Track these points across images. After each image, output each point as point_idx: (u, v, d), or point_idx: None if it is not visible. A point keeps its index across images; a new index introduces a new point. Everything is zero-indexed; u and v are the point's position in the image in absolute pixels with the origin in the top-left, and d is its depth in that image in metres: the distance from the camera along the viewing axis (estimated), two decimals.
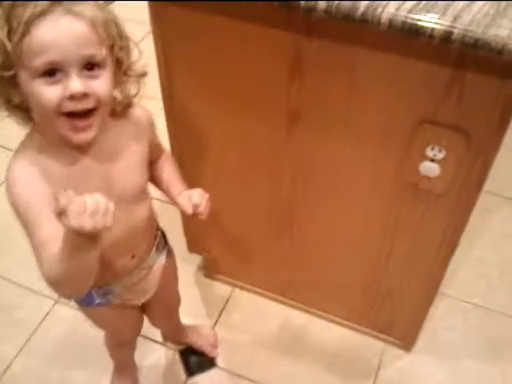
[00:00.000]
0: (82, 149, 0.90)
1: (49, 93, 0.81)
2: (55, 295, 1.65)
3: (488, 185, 1.09)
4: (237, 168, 1.31)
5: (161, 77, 1.19)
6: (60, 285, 0.85)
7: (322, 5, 0.87)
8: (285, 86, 1.07)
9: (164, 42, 1.13)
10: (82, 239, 0.75)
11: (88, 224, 0.72)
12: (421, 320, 1.48)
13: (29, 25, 0.77)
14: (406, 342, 1.56)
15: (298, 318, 1.64)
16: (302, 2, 0.87)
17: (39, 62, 0.79)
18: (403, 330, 1.53)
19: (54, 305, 1.65)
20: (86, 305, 1.10)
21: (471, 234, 1.72)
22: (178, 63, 1.15)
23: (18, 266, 1.72)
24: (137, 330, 1.31)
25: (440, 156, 1.03)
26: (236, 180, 1.34)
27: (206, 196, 1.08)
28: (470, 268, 1.74)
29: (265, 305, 1.66)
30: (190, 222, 1.57)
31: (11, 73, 0.81)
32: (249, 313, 1.65)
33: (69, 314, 1.60)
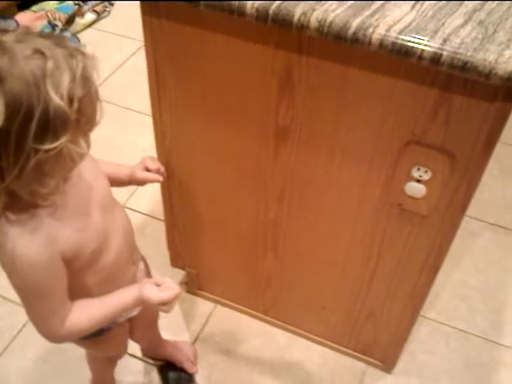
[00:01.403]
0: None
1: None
2: None
3: (471, 209, 1.10)
4: (223, 184, 1.31)
5: (151, 91, 1.19)
6: (76, 336, 0.99)
7: (313, 23, 0.88)
8: (274, 103, 1.07)
9: (156, 57, 1.13)
10: None
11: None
12: (402, 342, 1.47)
13: (88, 79, 0.77)
14: (387, 363, 1.55)
15: (280, 336, 1.63)
16: (295, 19, 0.88)
17: (98, 114, 0.80)
18: (384, 352, 1.53)
19: None
20: (94, 336, 1.07)
21: (454, 257, 1.74)
22: (169, 78, 1.15)
23: None
24: (127, 345, 1.30)
25: (426, 177, 1.04)
26: (223, 195, 1.34)
27: (153, 156, 1.16)
28: (452, 291, 1.74)
29: (247, 322, 1.65)
30: (173, 236, 1.56)
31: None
32: (230, 330, 1.64)
33: None
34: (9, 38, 0.73)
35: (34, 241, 0.83)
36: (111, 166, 1.12)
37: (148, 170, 1.14)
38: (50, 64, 0.72)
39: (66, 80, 0.73)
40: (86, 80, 0.76)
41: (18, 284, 0.86)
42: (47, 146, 0.73)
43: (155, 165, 1.14)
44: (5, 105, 0.69)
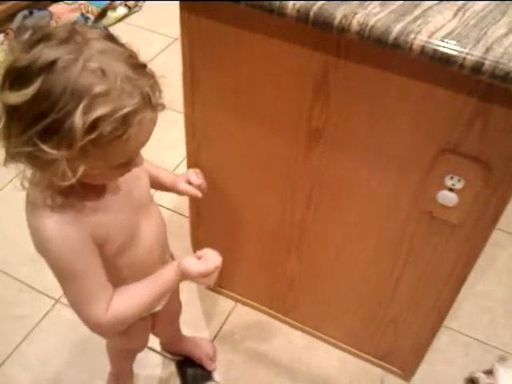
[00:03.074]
0: None
1: (114, 175, 0.86)
2: (56, 294, 1.64)
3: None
4: (251, 182, 1.31)
5: (185, 87, 1.20)
6: (120, 325, 0.96)
7: (355, 27, 0.87)
8: (308, 104, 1.07)
9: (192, 53, 1.13)
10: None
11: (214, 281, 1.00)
12: (423, 351, 1.46)
13: (126, 126, 0.75)
14: (406, 371, 1.54)
15: (300, 338, 1.62)
16: (336, 22, 0.88)
17: (121, 161, 0.81)
18: (404, 360, 1.52)
19: (54, 304, 1.64)
20: None
21: (478, 268, 1.71)
22: (203, 74, 1.15)
23: (20, 263, 1.72)
24: (148, 339, 1.30)
25: (459, 186, 1.03)
26: (250, 194, 1.34)
27: (198, 170, 1.16)
28: (474, 302, 1.72)
29: (267, 322, 1.65)
30: (197, 233, 1.56)
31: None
32: (250, 329, 1.64)
33: (68, 315, 1.59)
34: (97, 44, 0.74)
35: (65, 220, 0.84)
36: (158, 169, 1.13)
37: (190, 183, 1.14)
38: (99, 87, 0.71)
39: (100, 111, 0.72)
40: (125, 124, 0.75)
41: (53, 264, 0.87)
42: (44, 147, 0.73)
43: (198, 180, 1.14)
44: (36, 90, 0.71)
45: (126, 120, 0.74)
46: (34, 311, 1.63)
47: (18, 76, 0.72)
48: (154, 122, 0.81)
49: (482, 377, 1.41)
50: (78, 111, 0.71)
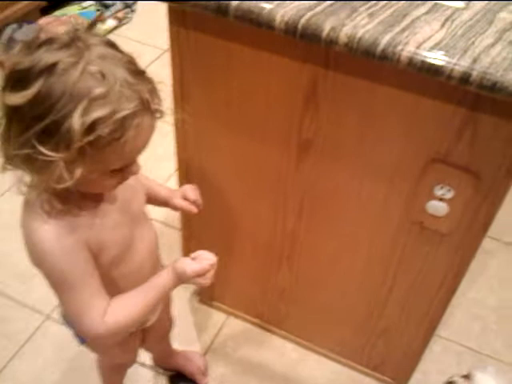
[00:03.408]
0: None
1: (111, 182, 0.85)
2: (47, 310, 1.63)
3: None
4: (243, 194, 1.31)
5: (175, 100, 1.19)
6: (118, 333, 0.93)
7: (343, 39, 0.88)
8: (298, 116, 1.07)
9: (182, 66, 1.13)
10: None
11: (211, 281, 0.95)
12: (415, 361, 1.46)
13: (124, 129, 0.75)
14: (399, 381, 1.54)
15: (292, 351, 1.61)
16: (324, 34, 0.88)
17: (118, 165, 0.81)
18: (396, 370, 1.51)
19: (44, 321, 1.62)
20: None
21: (469, 276, 1.71)
22: (193, 87, 1.15)
23: (11, 278, 1.71)
24: (137, 354, 1.29)
25: (448, 196, 1.03)
26: (241, 206, 1.34)
27: (195, 186, 1.14)
28: (466, 310, 1.73)
29: (259, 335, 1.64)
30: (189, 246, 1.55)
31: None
32: (242, 342, 1.63)
33: (58, 331, 1.58)
34: (97, 49, 0.75)
35: (61, 228, 0.83)
36: (154, 184, 1.13)
37: (186, 198, 1.13)
38: (98, 90, 0.72)
39: (98, 113, 0.72)
40: (123, 127, 0.75)
41: (48, 273, 0.86)
42: (42, 149, 0.73)
43: (194, 196, 1.13)
44: (36, 91, 0.72)
45: (123, 123, 0.75)
46: (24, 327, 1.61)
47: (20, 78, 0.73)
48: (152, 128, 0.81)
49: (459, 381, 1.41)
50: (76, 113, 0.71)
